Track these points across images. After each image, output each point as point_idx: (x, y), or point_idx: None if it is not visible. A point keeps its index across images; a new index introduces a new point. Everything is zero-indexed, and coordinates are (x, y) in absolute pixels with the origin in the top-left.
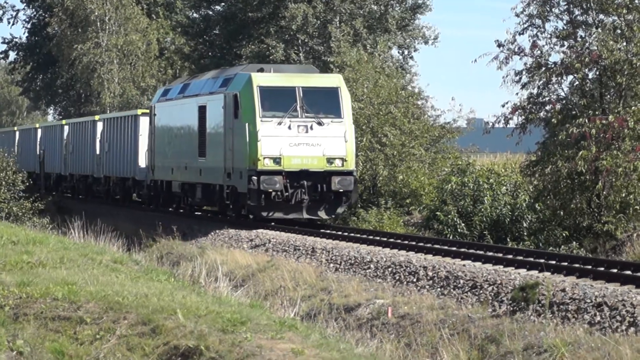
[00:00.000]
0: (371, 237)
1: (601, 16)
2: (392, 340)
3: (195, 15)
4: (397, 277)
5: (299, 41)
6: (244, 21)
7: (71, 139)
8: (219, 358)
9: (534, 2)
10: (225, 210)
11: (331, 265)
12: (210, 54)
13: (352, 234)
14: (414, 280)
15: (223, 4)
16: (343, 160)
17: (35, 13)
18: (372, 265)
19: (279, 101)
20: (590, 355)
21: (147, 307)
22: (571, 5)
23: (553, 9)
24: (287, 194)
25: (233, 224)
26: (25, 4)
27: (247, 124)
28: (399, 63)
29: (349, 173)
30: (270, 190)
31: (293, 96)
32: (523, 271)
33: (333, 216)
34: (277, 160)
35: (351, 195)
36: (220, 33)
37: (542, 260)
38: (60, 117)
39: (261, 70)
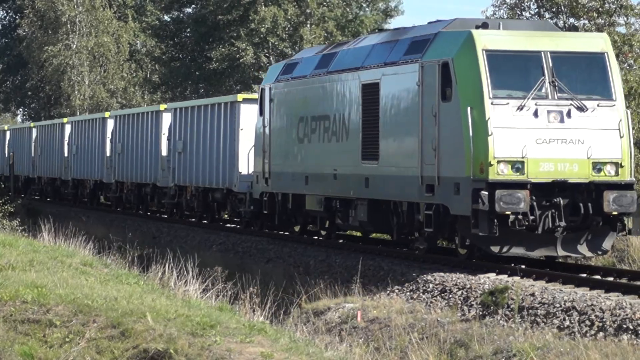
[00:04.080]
0: None
1: (572, 20)
2: (361, 345)
3: (166, 17)
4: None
5: (269, 44)
6: (214, 24)
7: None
8: None
9: (504, 5)
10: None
11: None
12: (180, 56)
13: None
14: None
15: (194, 6)
16: (618, 165)
17: (5, 14)
18: None
19: (518, 74)
20: (560, 359)
21: (117, 310)
22: (542, 9)
23: (524, 12)
24: (532, 217)
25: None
26: None
27: (467, 109)
28: None
29: (628, 186)
30: (509, 213)
31: (539, 66)
32: (492, 275)
33: (599, 253)
34: (518, 165)
35: (631, 220)
36: (191, 35)
37: (511, 264)
38: (29, 119)
39: (484, 25)
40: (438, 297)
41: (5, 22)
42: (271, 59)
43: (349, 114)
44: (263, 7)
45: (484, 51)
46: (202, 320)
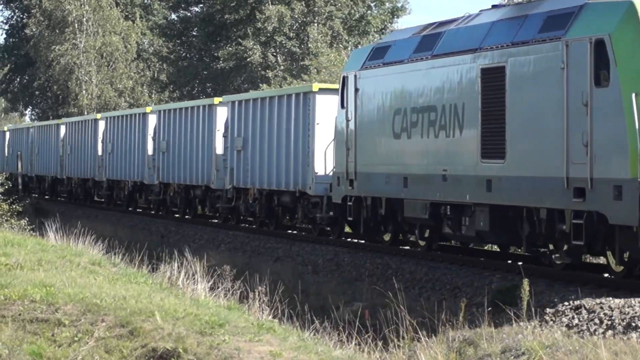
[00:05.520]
0: None
1: None
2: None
3: (173, 16)
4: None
5: (276, 43)
6: (222, 23)
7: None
8: None
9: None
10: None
11: None
12: (188, 55)
13: None
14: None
15: (201, 5)
16: None
17: (13, 14)
18: None
19: None
20: (568, 357)
21: (125, 309)
22: None
23: None
24: None
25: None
26: (3, 5)
27: (632, 96)
28: None
29: None
30: None
31: None
32: (501, 274)
33: None
34: None
35: None
36: (198, 35)
37: (520, 263)
38: (36, 118)
39: None
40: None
41: (12, 22)
42: (278, 57)
43: (463, 103)
44: (270, 6)
45: None
46: (211, 319)
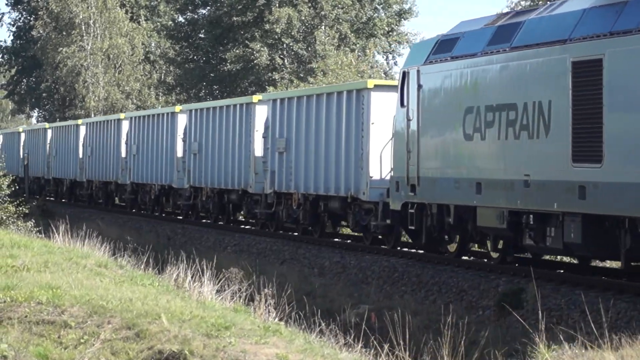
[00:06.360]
0: None
1: None
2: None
3: (180, 19)
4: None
5: (284, 45)
6: (229, 25)
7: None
8: None
9: (519, 6)
10: None
11: None
12: (195, 57)
13: None
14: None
15: (209, 7)
16: None
17: (20, 16)
18: None
19: None
20: None
21: (132, 311)
22: None
23: None
24: None
25: None
26: (10, 7)
27: None
28: (383, 68)
29: None
30: None
31: None
32: (507, 277)
33: None
34: None
35: None
36: (205, 37)
37: (526, 267)
38: (43, 120)
39: None
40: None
41: (20, 24)
42: (285, 60)
43: (550, 101)
44: (277, 8)
45: None
46: (217, 322)
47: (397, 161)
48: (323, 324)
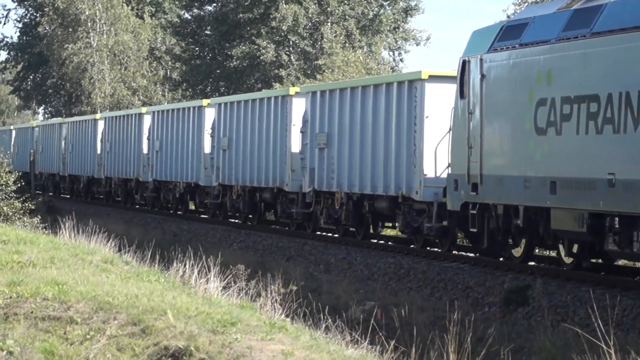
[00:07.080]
0: None
1: None
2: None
3: (187, 15)
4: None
5: (290, 42)
6: (235, 22)
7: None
8: (209, 359)
9: (525, 3)
10: None
11: None
12: (201, 54)
13: None
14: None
15: (215, 4)
16: None
17: (26, 13)
18: None
19: None
20: (581, 357)
21: (138, 307)
22: None
23: None
24: None
25: None
26: (16, 4)
27: None
28: (390, 65)
29: None
30: None
31: None
32: (513, 274)
33: None
34: None
35: None
36: (211, 33)
37: (532, 263)
38: (50, 117)
39: None
40: (459, 294)
41: (26, 20)
42: (292, 57)
43: (639, 91)
44: (284, 5)
45: None
46: (223, 318)
47: (456, 157)
48: (329, 320)
